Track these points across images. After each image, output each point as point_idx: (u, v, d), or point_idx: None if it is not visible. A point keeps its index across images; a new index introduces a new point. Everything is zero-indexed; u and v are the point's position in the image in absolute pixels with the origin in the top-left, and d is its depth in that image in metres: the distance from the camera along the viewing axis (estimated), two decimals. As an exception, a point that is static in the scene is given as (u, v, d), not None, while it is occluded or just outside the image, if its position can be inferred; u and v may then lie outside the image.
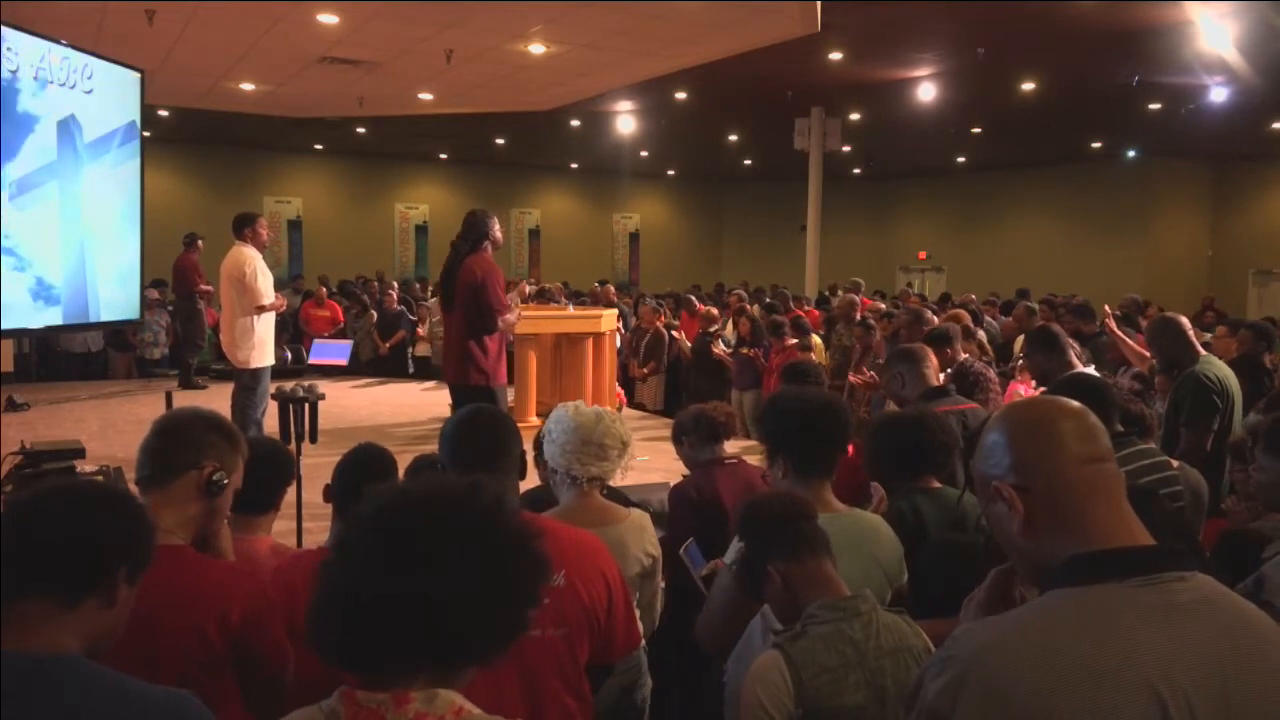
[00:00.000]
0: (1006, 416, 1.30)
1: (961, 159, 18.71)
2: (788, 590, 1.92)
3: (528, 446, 2.68)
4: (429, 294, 12.21)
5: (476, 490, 1.26)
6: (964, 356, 4.76)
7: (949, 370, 4.47)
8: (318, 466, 4.65)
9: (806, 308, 11.09)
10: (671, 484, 3.76)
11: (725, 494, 3.19)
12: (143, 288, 7.33)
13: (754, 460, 4.24)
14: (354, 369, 10.58)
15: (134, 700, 1.30)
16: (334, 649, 1.18)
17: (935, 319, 6.03)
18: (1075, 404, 1.28)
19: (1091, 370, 4.47)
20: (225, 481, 1.91)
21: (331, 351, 10.57)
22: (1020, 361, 5.61)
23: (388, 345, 11.10)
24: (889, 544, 2.39)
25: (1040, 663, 1.08)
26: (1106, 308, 6.30)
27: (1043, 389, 4.11)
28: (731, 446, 6.03)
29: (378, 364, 11.00)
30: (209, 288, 9.77)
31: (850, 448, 3.39)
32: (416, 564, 1.15)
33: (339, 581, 1.18)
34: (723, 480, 3.25)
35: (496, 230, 5.59)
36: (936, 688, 1.12)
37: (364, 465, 2.30)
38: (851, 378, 6.15)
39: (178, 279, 9.94)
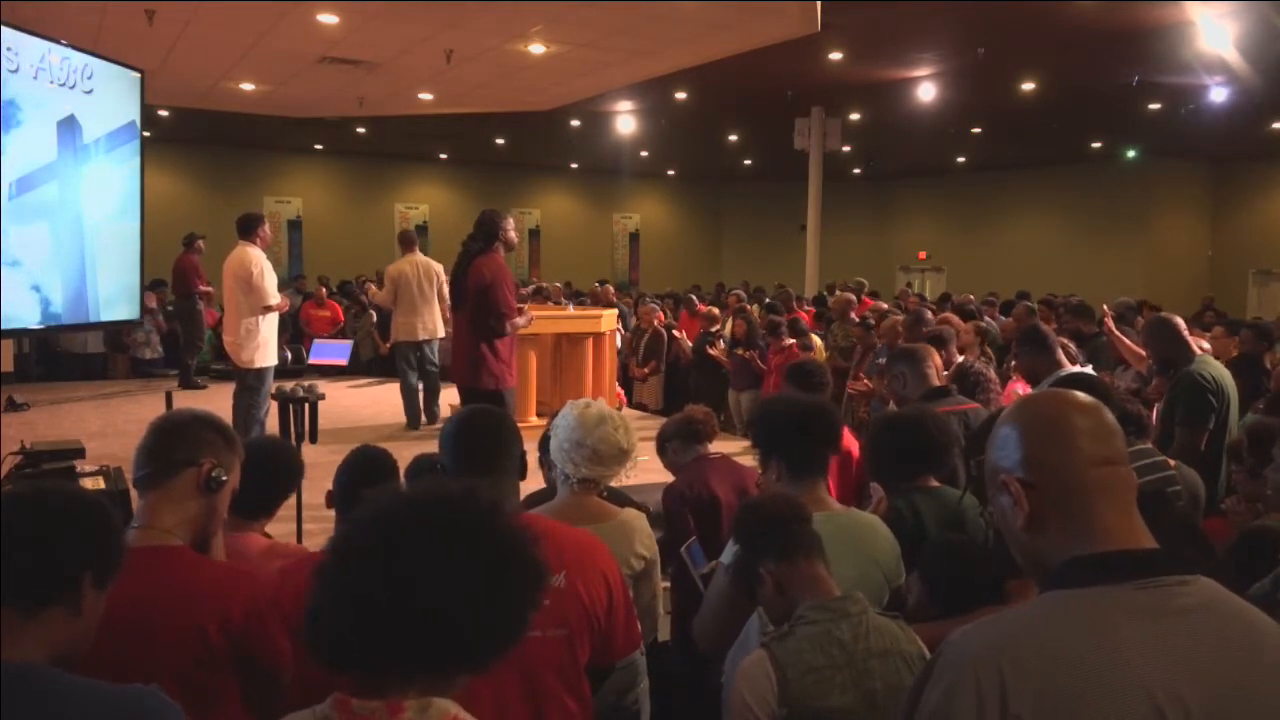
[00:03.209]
0: (1022, 409, 1.28)
1: (961, 159, 18.70)
2: (780, 591, 1.93)
3: (528, 447, 2.68)
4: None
5: (473, 494, 1.24)
6: (961, 358, 4.76)
7: (947, 371, 4.47)
8: (317, 466, 4.64)
9: (807, 308, 11.07)
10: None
11: (716, 485, 3.18)
12: (142, 288, 7.31)
13: (751, 461, 4.23)
14: (354, 369, 10.59)
15: (91, 701, 1.26)
16: (328, 650, 1.17)
17: (932, 319, 6.03)
18: (1092, 401, 1.25)
19: (1089, 370, 4.48)
20: (224, 478, 1.89)
21: (331, 351, 10.59)
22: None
23: (388, 345, 11.08)
24: (886, 543, 2.39)
25: (1037, 666, 1.07)
26: (1105, 307, 6.30)
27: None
28: (731, 446, 6.01)
29: (378, 364, 10.98)
30: (209, 289, 9.76)
31: (855, 451, 3.38)
32: (413, 569, 1.14)
33: (335, 583, 1.17)
34: (712, 473, 3.25)
35: (510, 231, 5.45)
36: (937, 694, 1.11)
37: (364, 467, 2.29)
38: (849, 387, 6.12)
39: (177, 279, 9.94)
